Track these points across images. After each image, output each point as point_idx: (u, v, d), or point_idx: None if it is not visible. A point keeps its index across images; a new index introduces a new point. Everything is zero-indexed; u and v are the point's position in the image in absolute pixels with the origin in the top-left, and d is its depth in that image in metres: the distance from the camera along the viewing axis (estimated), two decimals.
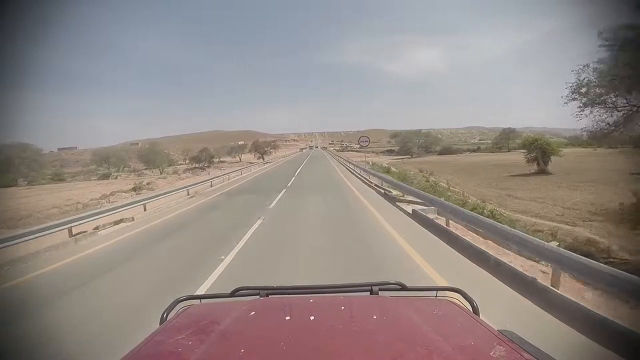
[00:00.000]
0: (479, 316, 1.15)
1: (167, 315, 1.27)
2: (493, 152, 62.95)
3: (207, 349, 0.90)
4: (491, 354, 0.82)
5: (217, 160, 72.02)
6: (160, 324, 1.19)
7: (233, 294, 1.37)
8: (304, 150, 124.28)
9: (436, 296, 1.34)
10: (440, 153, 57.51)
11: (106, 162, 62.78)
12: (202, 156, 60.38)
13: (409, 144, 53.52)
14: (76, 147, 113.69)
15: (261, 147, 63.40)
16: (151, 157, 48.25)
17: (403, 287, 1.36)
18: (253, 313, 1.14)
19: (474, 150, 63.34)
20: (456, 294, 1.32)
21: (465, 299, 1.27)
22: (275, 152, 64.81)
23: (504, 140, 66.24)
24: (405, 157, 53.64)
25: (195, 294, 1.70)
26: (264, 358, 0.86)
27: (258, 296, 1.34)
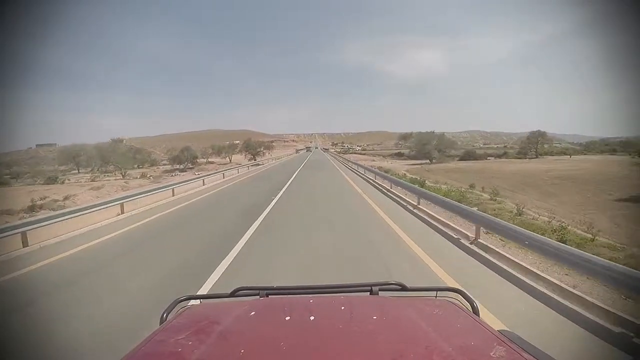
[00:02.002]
0: (479, 317, 1.13)
1: (167, 315, 1.25)
2: (519, 157, 54.49)
3: (207, 349, 0.90)
4: (491, 354, 0.82)
5: (205, 160, 63.66)
6: (160, 324, 1.16)
7: (233, 294, 1.36)
8: (300, 152, 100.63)
9: (436, 296, 1.31)
10: (462, 158, 48.96)
11: (73, 161, 53.71)
12: (183, 156, 51.68)
13: (428, 146, 44.68)
14: (55, 144, 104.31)
15: (253, 147, 54.72)
16: (116, 156, 39.08)
17: (403, 288, 1.34)
18: (253, 313, 1.13)
19: (499, 156, 54.82)
20: (456, 294, 1.30)
21: (465, 299, 1.25)
22: (269, 153, 56.09)
23: (533, 144, 57.69)
24: (422, 162, 45.01)
25: (195, 294, 1.57)
26: (264, 358, 0.86)
27: (258, 296, 1.32)
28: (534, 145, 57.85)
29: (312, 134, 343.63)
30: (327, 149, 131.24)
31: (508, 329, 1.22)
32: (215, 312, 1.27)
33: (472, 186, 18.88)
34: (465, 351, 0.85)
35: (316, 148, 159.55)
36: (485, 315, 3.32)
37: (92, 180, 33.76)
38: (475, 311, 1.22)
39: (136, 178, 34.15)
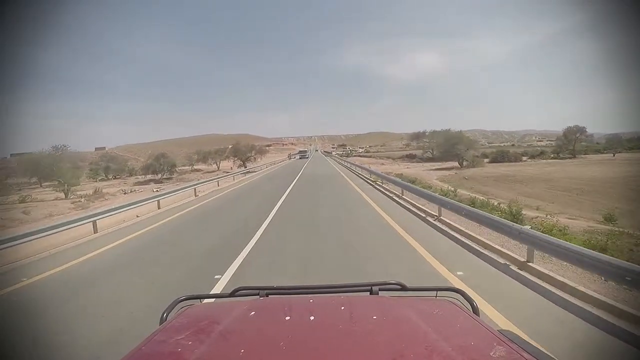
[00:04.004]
0: (479, 316, 1.12)
1: (167, 315, 1.24)
2: (555, 157, 45.99)
3: (207, 349, 0.90)
4: (491, 354, 0.82)
5: (191, 168, 55.30)
6: (160, 324, 1.15)
7: (233, 293, 1.35)
8: (293, 158, 71.34)
9: (436, 296, 1.30)
10: (494, 160, 40.36)
11: (35, 172, 45.00)
12: (158, 165, 43.19)
13: (458, 146, 35.81)
14: (31, 153, 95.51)
15: (242, 152, 46.21)
16: (59, 169, 30.47)
17: (403, 287, 1.33)
18: (253, 313, 1.12)
19: (533, 156, 46.23)
20: (456, 294, 1.29)
21: (466, 299, 1.24)
22: (261, 159, 47.60)
23: (570, 142, 49.15)
24: (448, 165, 36.43)
25: (195, 294, 1.41)
26: (264, 358, 0.85)
27: (258, 296, 1.31)
28: (572, 142, 49.34)
29: (311, 137, 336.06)
30: (330, 152, 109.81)
31: (508, 329, 1.11)
32: (215, 312, 1.26)
33: (610, 219, 10.44)
34: (465, 351, 0.84)
35: (316, 151, 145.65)
36: None
37: (21, 202, 25.33)
38: (475, 311, 1.20)
39: (79, 200, 25.77)
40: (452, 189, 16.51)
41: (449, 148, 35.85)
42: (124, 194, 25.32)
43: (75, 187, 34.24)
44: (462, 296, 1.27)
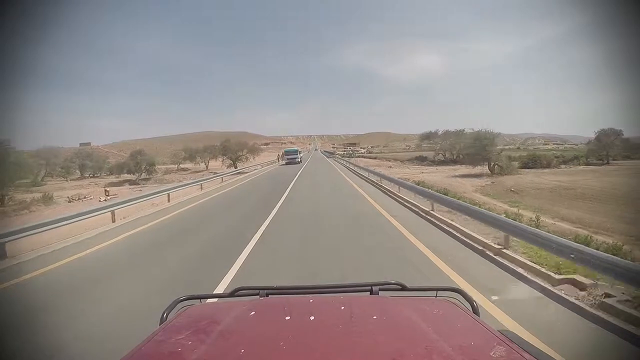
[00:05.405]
0: (479, 316, 1.12)
1: (167, 315, 1.24)
2: (590, 164, 40.49)
3: (207, 348, 0.90)
4: (491, 354, 0.82)
5: (177, 167, 49.41)
6: (160, 324, 1.15)
7: (233, 293, 1.35)
8: (282, 161, 48.07)
9: (436, 296, 1.28)
10: (526, 165, 34.67)
11: None
12: (134, 164, 37.21)
13: (490, 148, 29.87)
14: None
15: (232, 150, 40.23)
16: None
17: (403, 287, 1.32)
18: (253, 313, 1.12)
19: (565, 161, 40.58)
20: (456, 294, 1.28)
21: (465, 299, 1.23)
22: (254, 159, 41.69)
23: (604, 147, 43.47)
24: (472, 170, 30.67)
25: (195, 294, 1.42)
26: (264, 358, 0.85)
27: (258, 296, 1.31)
28: (605, 147, 43.65)
29: (311, 136, 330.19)
30: (333, 153, 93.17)
31: (508, 329, 1.14)
32: (215, 311, 1.25)
33: None
34: (465, 351, 0.84)
35: (315, 150, 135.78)
36: None
37: None
38: (475, 311, 1.19)
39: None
40: (533, 216, 10.70)
41: (478, 150, 30.05)
42: (69, 202, 19.45)
43: (38, 188, 28.55)
44: (462, 296, 1.24)
